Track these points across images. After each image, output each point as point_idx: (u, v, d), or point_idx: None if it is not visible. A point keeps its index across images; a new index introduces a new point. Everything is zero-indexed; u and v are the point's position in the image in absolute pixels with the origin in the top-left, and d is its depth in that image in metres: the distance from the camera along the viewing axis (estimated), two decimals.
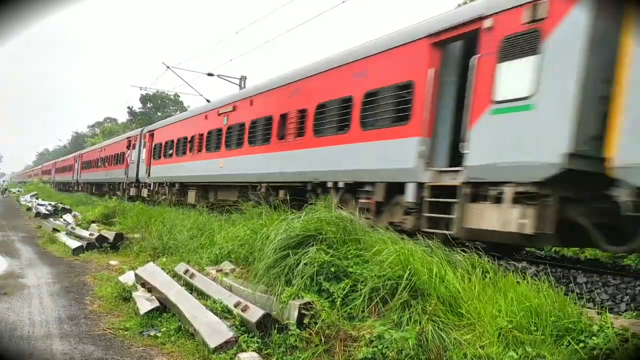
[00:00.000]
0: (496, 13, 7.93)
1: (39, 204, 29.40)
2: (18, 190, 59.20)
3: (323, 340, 5.17)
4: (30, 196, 40.06)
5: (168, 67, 29.37)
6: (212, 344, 5.63)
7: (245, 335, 5.76)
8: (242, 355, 5.36)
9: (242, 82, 29.38)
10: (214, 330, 5.87)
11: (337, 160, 11.07)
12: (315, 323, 5.28)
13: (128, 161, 29.61)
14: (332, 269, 5.81)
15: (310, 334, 5.26)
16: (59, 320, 7.04)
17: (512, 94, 7.50)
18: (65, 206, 27.09)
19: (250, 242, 7.91)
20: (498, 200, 7.48)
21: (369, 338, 4.79)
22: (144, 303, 7.37)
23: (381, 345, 4.62)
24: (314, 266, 5.82)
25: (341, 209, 8.00)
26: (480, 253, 6.19)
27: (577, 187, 7.03)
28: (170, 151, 22.68)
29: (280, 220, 7.10)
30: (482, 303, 4.93)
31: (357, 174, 10.49)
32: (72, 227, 17.27)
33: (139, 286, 8.25)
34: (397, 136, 9.52)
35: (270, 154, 14.00)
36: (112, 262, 12.01)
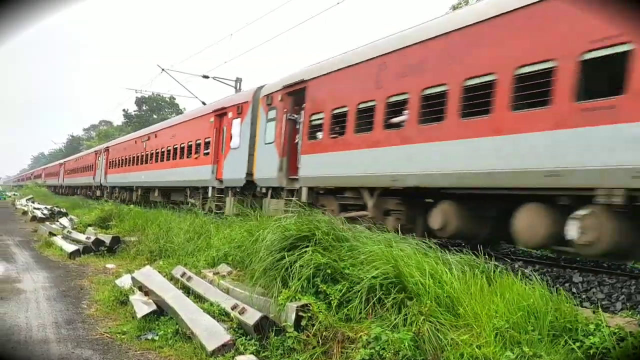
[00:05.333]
0: (230, 107, 17.12)
1: (34, 208, 29.30)
2: (14, 194, 58.92)
3: (321, 342, 5.18)
4: (26, 200, 39.91)
5: (163, 69, 29.35)
6: (210, 347, 5.63)
7: (243, 337, 5.76)
8: (239, 358, 5.37)
9: (238, 84, 29.36)
10: (211, 333, 5.86)
11: (187, 174, 20.27)
12: (313, 325, 5.28)
13: (95, 169, 38.78)
14: (329, 271, 5.82)
15: (308, 336, 5.27)
16: (56, 324, 7.03)
17: (235, 144, 16.23)
18: (62, 209, 27.02)
19: (246, 244, 7.91)
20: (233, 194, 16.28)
21: (366, 339, 4.80)
22: (141, 306, 7.35)
23: (378, 347, 4.63)
24: (310, 268, 5.82)
25: (192, 198, 19.73)
26: (477, 253, 6.22)
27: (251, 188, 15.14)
28: (117, 164, 32.78)
29: (274, 221, 7.10)
30: (479, 303, 4.94)
31: (194, 182, 19.68)
32: (68, 231, 17.22)
33: (136, 290, 8.23)
34: (205, 164, 18.38)
35: (163, 170, 23.50)
36: (109, 266, 12.00)
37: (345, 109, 10.92)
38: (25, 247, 15.78)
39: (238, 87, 28.91)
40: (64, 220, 21.62)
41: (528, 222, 7.25)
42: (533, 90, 6.99)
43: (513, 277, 5.36)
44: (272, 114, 14.08)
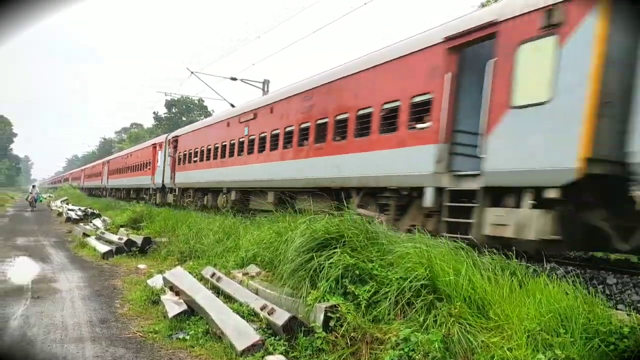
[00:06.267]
0: (158, 143, 31.86)
1: (69, 209, 30.01)
2: (49, 196, 60.77)
3: (349, 343, 5.18)
4: (61, 201, 40.89)
5: (192, 72, 29.75)
6: (240, 346, 5.69)
7: (272, 338, 5.80)
8: (269, 358, 5.41)
9: (265, 85, 29.56)
10: (241, 333, 5.93)
11: (142, 180, 33.48)
12: (341, 326, 5.29)
13: (102, 175, 52.66)
14: (357, 272, 5.82)
15: (336, 336, 5.28)
16: (90, 323, 7.20)
17: (158, 164, 30.27)
18: (95, 211, 27.60)
19: (275, 245, 7.97)
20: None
21: (395, 341, 4.79)
22: (172, 306, 7.48)
23: (407, 348, 4.61)
24: (339, 269, 5.83)
25: (145, 194, 33.87)
26: (509, 255, 6.14)
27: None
28: (113, 172, 46.72)
29: (302, 223, 7.12)
30: (509, 305, 4.88)
31: (145, 185, 32.90)
32: (101, 232, 17.61)
33: (167, 290, 8.37)
34: (148, 175, 31.81)
35: (133, 177, 36.78)
36: (141, 266, 12.22)
37: (186, 152, 25.04)
38: (61, 247, 16.20)
39: (265, 89, 29.11)
40: (97, 222, 22.12)
41: (220, 199, 19.91)
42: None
43: (545, 279, 5.28)
44: (170, 150, 27.97)
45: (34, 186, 43.97)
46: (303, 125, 13.90)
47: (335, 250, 6.11)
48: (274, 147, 15.51)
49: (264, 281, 7.45)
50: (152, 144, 32.71)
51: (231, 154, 19.07)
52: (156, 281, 9.19)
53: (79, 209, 29.38)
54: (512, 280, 5.42)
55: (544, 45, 7.36)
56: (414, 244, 6.14)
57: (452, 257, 5.77)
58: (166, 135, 30.40)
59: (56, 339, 6.40)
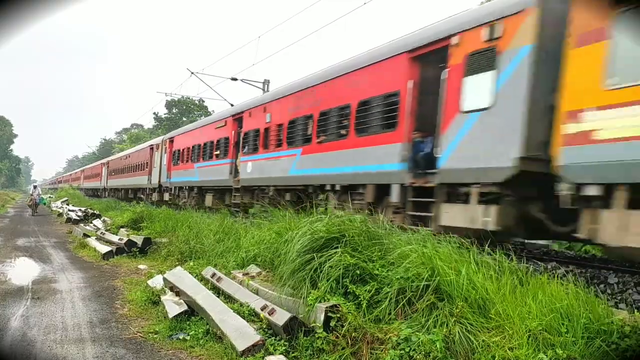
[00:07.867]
0: (101, 164, 59.50)
1: (69, 210, 30.01)
2: (49, 197, 60.64)
3: (350, 343, 5.17)
4: (61, 202, 40.82)
5: (192, 72, 29.74)
6: (240, 347, 5.67)
7: (272, 338, 5.79)
8: (269, 358, 5.40)
9: (266, 85, 29.55)
10: (241, 334, 5.91)
11: (95, 184, 61.70)
12: (342, 326, 5.28)
13: (81, 179, 70.80)
14: (358, 272, 5.81)
15: (337, 337, 5.26)
16: (90, 324, 7.19)
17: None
18: (95, 212, 27.58)
19: (275, 245, 7.95)
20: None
21: (396, 341, 4.78)
22: (173, 307, 7.47)
23: (408, 348, 4.61)
24: (339, 269, 5.82)
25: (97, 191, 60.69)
26: (510, 254, 6.13)
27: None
28: (88, 177, 65.77)
29: (304, 223, 7.11)
30: (510, 304, 4.87)
31: (95, 187, 61.19)
32: (101, 232, 17.59)
33: (167, 290, 8.36)
34: (98, 181, 59.10)
35: (91, 182, 63.96)
36: (141, 267, 12.20)
37: (112, 169, 48.02)
38: (61, 248, 16.18)
39: (266, 89, 29.10)
40: (98, 222, 22.10)
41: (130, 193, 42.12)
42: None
43: (546, 278, 5.27)
44: (105, 168, 51.49)
45: (35, 187, 41.67)
46: (133, 164, 36.30)
47: (336, 250, 6.10)
48: (130, 171, 37.72)
49: (264, 281, 7.45)
50: (101, 163, 54.58)
51: (121, 173, 41.02)
52: (156, 281, 9.18)
53: (79, 209, 29.37)
54: (514, 279, 5.41)
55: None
56: (413, 245, 6.12)
57: (453, 257, 5.75)
58: (107, 159, 51.78)
59: (56, 339, 6.39)
